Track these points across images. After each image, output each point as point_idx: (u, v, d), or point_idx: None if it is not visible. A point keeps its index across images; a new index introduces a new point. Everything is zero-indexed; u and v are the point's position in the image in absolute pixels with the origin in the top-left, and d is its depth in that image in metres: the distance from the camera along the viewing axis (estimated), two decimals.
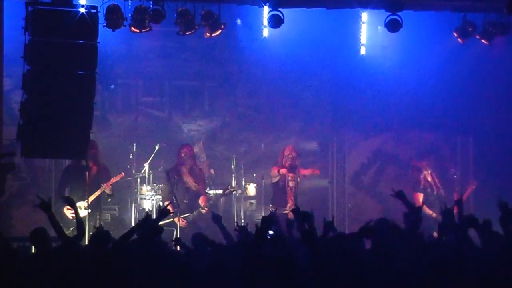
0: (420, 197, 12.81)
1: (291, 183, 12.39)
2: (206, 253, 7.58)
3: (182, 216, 11.92)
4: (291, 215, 12.03)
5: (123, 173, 12.26)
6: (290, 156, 12.56)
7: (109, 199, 12.41)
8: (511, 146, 14.11)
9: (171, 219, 11.94)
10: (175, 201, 11.99)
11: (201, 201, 12.42)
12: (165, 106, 15.33)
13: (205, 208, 12.09)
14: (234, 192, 13.16)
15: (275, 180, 12.75)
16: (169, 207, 8.52)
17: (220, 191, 13.08)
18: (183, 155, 12.40)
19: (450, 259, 6.51)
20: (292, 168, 12.60)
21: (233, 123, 15.28)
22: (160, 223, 8.12)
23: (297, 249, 7.18)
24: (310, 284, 6.40)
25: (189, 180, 12.43)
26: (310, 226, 7.58)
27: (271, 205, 12.85)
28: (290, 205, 12.32)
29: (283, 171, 12.62)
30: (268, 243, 7.30)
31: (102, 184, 11.88)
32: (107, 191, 11.94)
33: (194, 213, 12.07)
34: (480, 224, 7.66)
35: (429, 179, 13.02)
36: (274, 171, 12.82)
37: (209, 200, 12.76)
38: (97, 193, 11.89)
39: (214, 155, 14.64)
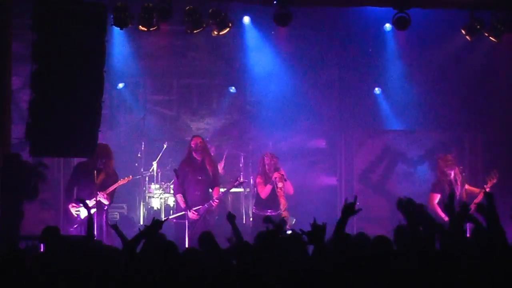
0: (436, 198, 12.14)
1: (279, 184, 12.25)
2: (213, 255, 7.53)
3: (194, 208, 11.89)
4: (286, 214, 12.06)
5: (130, 176, 12.07)
6: (271, 163, 12.38)
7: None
8: None
9: (183, 213, 11.94)
10: (184, 198, 11.96)
11: (214, 193, 12.31)
12: (173, 104, 15.37)
13: (216, 200, 12.03)
14: (244, 181, 13.03)
15: (264, 195, 12.45)
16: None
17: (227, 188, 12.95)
18: (193, 145, 12.23)
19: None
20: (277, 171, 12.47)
21: (241, 121, 15.29)
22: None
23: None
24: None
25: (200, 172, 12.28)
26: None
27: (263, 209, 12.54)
28: (283, 203, 12.23)
29: (269, 187, 12.36)
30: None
31: (98, 192, 11.60)
32: (103, 200, 11.44)
33: (205, 205, 12.02)
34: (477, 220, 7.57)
35: (452, 177, 12.35)
36: (261, 185, 12.48)
37: (223, 193, 12.59)
38: (94, 200, 11.48)
39: (222, 153, 14.65)
